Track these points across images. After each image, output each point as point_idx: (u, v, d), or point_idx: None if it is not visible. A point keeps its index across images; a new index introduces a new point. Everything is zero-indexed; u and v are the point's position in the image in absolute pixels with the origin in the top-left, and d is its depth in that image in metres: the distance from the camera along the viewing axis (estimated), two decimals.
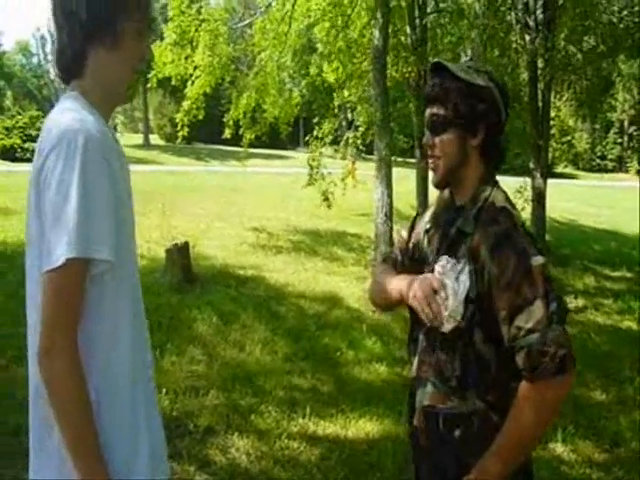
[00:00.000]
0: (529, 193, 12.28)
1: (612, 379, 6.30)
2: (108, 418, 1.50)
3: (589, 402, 5.62)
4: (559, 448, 4.59)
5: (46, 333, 1.43)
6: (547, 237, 13.19)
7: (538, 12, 12.23)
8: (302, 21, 12.93)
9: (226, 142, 17.50)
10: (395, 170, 9.58)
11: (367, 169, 14.63)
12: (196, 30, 11.63)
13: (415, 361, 1.99)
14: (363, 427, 4.71)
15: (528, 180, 12.52)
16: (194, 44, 11.76)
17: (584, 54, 11.86)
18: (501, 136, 1.92)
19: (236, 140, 13.99)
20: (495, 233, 1.78)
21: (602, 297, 10.04)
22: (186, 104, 11.92)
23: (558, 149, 16.65)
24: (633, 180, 41.89)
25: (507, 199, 1.89)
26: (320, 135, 11.05)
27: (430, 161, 1.93)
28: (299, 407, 4.87)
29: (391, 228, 9.10)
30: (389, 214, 9.07)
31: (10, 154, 28.28)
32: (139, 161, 26.56)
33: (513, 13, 12.21)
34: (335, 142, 12.05)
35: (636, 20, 11.41)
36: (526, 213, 11.67)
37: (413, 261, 2.07)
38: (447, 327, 1.80)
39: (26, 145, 28.90)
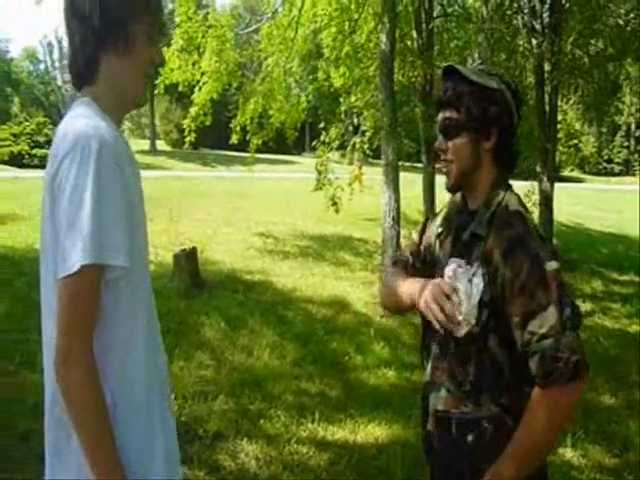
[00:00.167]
0: (536, 197, 12.25)
1: (621, 383, 6.27)
2: (124, 422, 1.51)
3: (598, 406, 5.60)
4: (569, 453, 4.56)
5: (62, 340, 1.43)
6: (554, 241, 13.15)
7: (545, 16, 12.21)
8: (308, 26, 12.93)
9: (232, 147, 17.50)
10: (402, 175, 9.57)
11: (373, 174, 14.63)
12: (203, 36, 11.66)
13: (428, 366, 1.99)
14: (372, 432, 4.70)
15: (535, 184, 12.49)
16: (201, 50, 11.78)
17: (591, 57, 11.83)
18: (514, 139, 1.91)
19: (242, 145, 14.01)
20: (509, 237, 1.77)
21: (610, 301, 10.01)
22: (193, 110, 11.94)
23: (565, 153, 16.61)
24: None
25: (520, 203, 1.89)
26: (327, 140, 11.05)
27: (443, 165, 1.93)
28: (308, 412, 4.87)
29: (398, 233, 9.08)
30: (396, 219, 9.06)
31: (18, 160, 28.42)
32: (146, 167, 26.61)
33: (520, 17, 12.20)
34: (342, 147, 12.05)
35: None
36: (533, 217, 11.62)
37: (424, 264, 2.07)
38: (461, 332, 1.79)
39: (33, 151, 29.05)
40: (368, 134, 11.15)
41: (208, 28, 11.77)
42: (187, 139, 12.11)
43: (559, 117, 13.39)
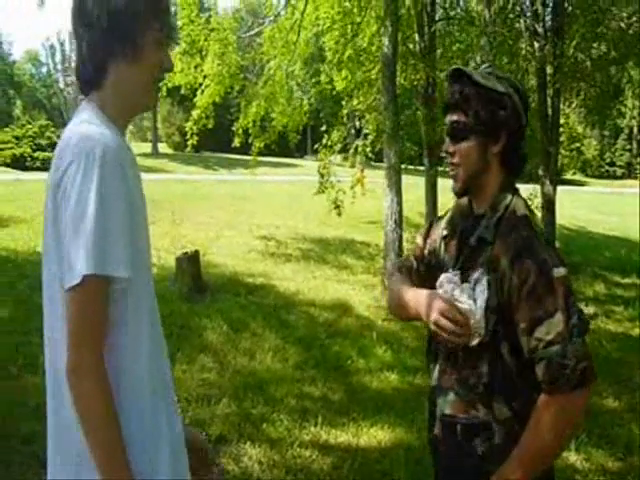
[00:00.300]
0: (539, 200, 12.25)
1: (624, 386, 6.26)
2: (129, 427, 1.50)
3: (601, 410, 5.58)
4: (572, 457, 4.55)
5: (73, 351, 1.43)
6: (557, 244, 13.14)
7: (547, 19, 12.22)
8: (311, 30, 12.96)
9: (234, 150, 17.52)
10: (404, 178, 9.58)
11: (375, 177, 14.63)
12: (205, 39, 11.69)
13: (435, 370, 1.98)
14: (375, 435, 4.70)
15: (537, 187, 12.49)
16: (203, 53, 11.81)
17: (593, 61, 11.83)
18: (522, 142, 1.91)
19: (244, 148, 14.02)
20: (516, 243, 1.76)
21: (613, 304, 10.00)
22: (195, 113, 11.97)
23: (567, 156, 16.60)
24: None
25: (527, 207, 1.88)
26: (329, 143, 11.06)
27: (450, 168, 1.92)
28: (310, 415, 4.86)
29: (401, 236, 9.09)
30: (399, 222, 9.06)
31: (20, 163, 28.41)
32: (148, 170, 26.61)
33: (522, 20, 12.20)
34: (344, 150, 12.06)
35: None
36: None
37: (429, 268, 2.06)
38: (472, 343, 1.79)
39: (36, 154, 29.06)
40: (370, 137, 11.16)
41: (210, 31, 11.81)
42: (189, 142, 12.13)
43: (561, 120, 13.39)
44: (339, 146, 11.28)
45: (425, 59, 11.69)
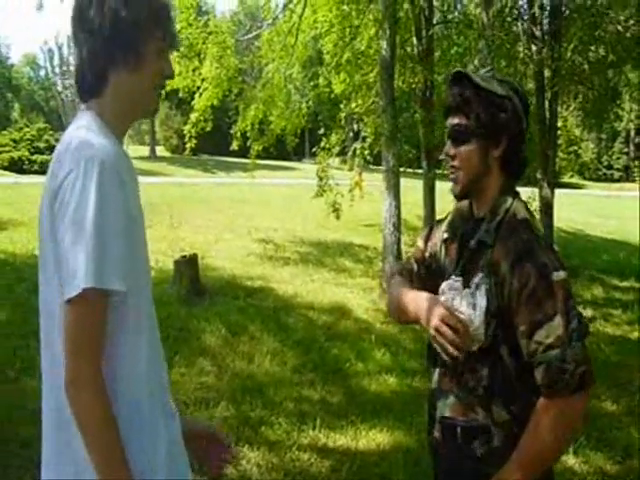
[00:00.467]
0: (537, 203, 12.25)
1: (622, 390, 6.25)
2: (126, 434, 1.50)
3: (600, 413, 5.58)
4: (571, 460, 4.55)
5: (71, 362, 1.44)
6: (555, 247, 13.13)
7: (545, 22, 12.23)
8: (309, 33, 12.96)
9: (232, 154, 17.52)
10: (402, 181, 9.59)
11: (373, 180, 14.64)
12: (203, 42, 11.69)
13: (435, 373, 1.98)
14: (373, 438, 4.70)
15: (535, 190, 12.49)
16: (202, 56, 11.81)
17: (591, 64, 11.85)
18: (523, 146, 1.90)
19: (242, 152, 14.02)
20: (516, 246, 1.76)
21: (611, 307, 10.00)
22: (194, 116, 11.96)
23: (565, 159, 16.63)
24: None
25: (528, 210, 1.88)
26: (327, 146, 11.06)
27: (450, 171, 1.92)
28: (309, 419, 4.86)
29: (399, 239, 9.10)
30: (397, 225, 9.07)
31: (18, 166, 28.37)
32: (146, 173, 26.60)
33: (520, 23, 12.22)
34: (342, 153, 12.06)
35: None
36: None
37: (430, 271, 2.06)
38: (473, 349, 1.80)
39: (34, 157, 29.03)
40: (369, 140, 11.15)
41: (208, 34, 11.81)
42: (187, 145, 12.12)
43: (559, 123, 13.40)
44: (337, 149, 11.28)
45: (423, 62, 11.70)
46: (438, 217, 2.22)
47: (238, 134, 12.46)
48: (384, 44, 9.20)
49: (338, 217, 11.20)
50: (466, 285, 1.83)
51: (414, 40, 12.06)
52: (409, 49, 12.39)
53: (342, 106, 12.54)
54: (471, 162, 1.86)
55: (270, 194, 20.82)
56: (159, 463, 1.57)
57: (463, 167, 1.87)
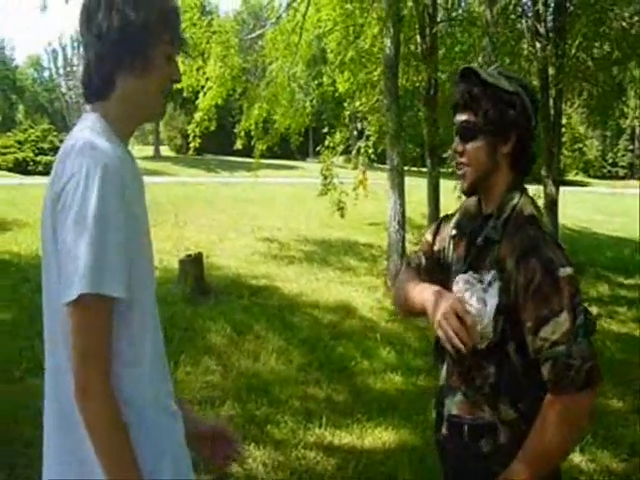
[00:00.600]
0: (541, 201, 12.23)
1: (628, 387, 6.22)
2: (134, 432, 1.50)
3: (606, 411, 5.57)
4: (577, 457, 4.53)
5: (79, 372, 1.43)
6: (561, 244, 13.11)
7: (549, 19, 12.21)
8: (313, 32, 12.96)
9: (236, 153, 17.53)
10: (406, 179, 9.58)
11: (377, 178, 14.62)
12: (207, 42, 11.70)
13: (444, 370, 1.98)
14: (379, 437, 4.69)
15: (540, 188, 12.47)
16: (205, 56, 11.82)
17: (595, 61, 11.83)
18: (531, 143, 1.89)
19: (246, 151, 14.03)
20: (522, 242, 1.75)
21: (616, 305, 9.98)
22: (198, 115, 11.98)
23: (569, 156, 16.59)
24: None
25: (535, 207, 1.87)
26: (332, 145, 11.06)
27: (458, 168, 1.90)
28: (315, 417, 4.86)
29: (404, 237, 9.10)
30: (402, 223, 9.08)
31: (22, 167, 28.43)
32: (150, 173, 26.59)
33: (524, 20, 12.21)
34: (346, 152, 12.06)
35: None
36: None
37: (437, 266, 2.05)
38: (480, 346, 1.78)
39: (38, 158, 29.07)
40: (373, 139, 11.15)
41: (212, 34, 11.82)
42: (192, 144, 12.15)
43: (563, 121, 13.38)
44: (341, 148, 11.29)
45: (427, 60, 11.69)
46: (442, 215, 2.21)
47: (242, 133, 12.47)
48: (388, 42, 9.19)
49: (343, 215, 11.20)
50: (479, 281, 1.82)
51: (418, 38, 12.06)
52: (413, 47, 12.38)
53: (346, 105, 12.55)
54: (479, 159, 1.85)
55: (274, 193, 20.83)
56: (164, 469, 1.57)
57: (471, 164, 1.86)
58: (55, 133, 32.66)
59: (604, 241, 17.80)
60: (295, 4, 12.32)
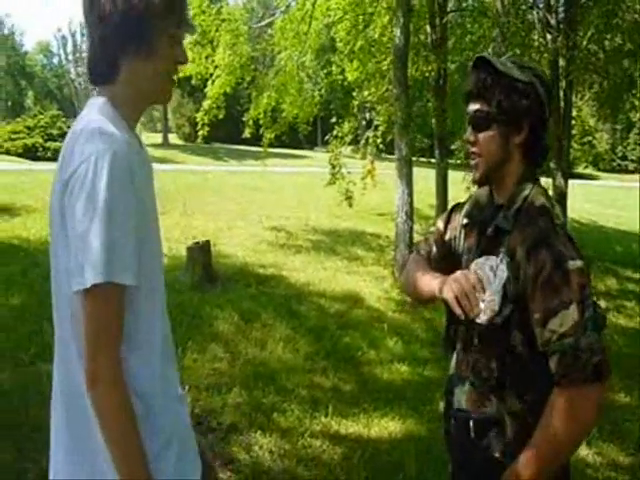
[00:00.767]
0: (550, 193, 12.18)
1: (635, 381, 6.22)
2: (142, 424, 1.51)
3: (613, 405, 5.57)
4: (584, 451, 4.54)
5: (90, 362, 1.44)
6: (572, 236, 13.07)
7: (560, 10, 12.14)
8: (322, 20, 12.92)
9: (244, 142, 17.54)
10: (414, 170, 9.55)
11: (386, 169, 14.59)
12: (216, 30, 11.69)
13: (454, 359, 1.98)
14: (385, 427, 4.70)
15: (549, 180, 12.43)
16: (214, 44, 11.80)
17: (606, 53, 11.76)
18: (545, 133, 1.87)
19: (254, 140, 14.02)
20: (533, 234, 1.74)
21: (624, 299, 9.97)
22: (206, 103, 11.98)
23: (579, 149, 16.53)
24: None
25: (547, 198, 1.86)
26: (340, 134, 11.05)
27: (470, 157, 1.90)
28: (321, 406, 4.86)
29: (411, 228, 9.09)
30: (409, 214, 9.06)
31: (32, 153, 28.50)
32: (158, 160, 26.62)
33: (535, 11, 12.13)
34: (355, 142, 12.04)
35: None
36: None
37: (448, 254, 2.05)
38: (483, 318, 1.78)
39: (47, 144, 29.13)
40: (381, 129, 11.12)
41: (222, 22, 11.81)
42: (200, 133, 12.16)
43: (573, 113, 13.32)
44: (350, 137, 11.27)
45: (437, 50, 11.65)
46: (452, 203, 2.20)
47: (250, 122, 12.47)
48: (397, 32, 9.15)
49: (351, 205, 11.19)
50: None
51: (428, 28, 12.01)
52: (423, 37, 12.33)
53: (355, 94, 12.53)
54: (491, 149, 1.83)
55: (282, 182, 20.81)
56: (170, 452, 1.58)
57: (483, 153, 1.85)
58: (64, 119, 32.69)
59: (612, 235, 17.75)
60: None
